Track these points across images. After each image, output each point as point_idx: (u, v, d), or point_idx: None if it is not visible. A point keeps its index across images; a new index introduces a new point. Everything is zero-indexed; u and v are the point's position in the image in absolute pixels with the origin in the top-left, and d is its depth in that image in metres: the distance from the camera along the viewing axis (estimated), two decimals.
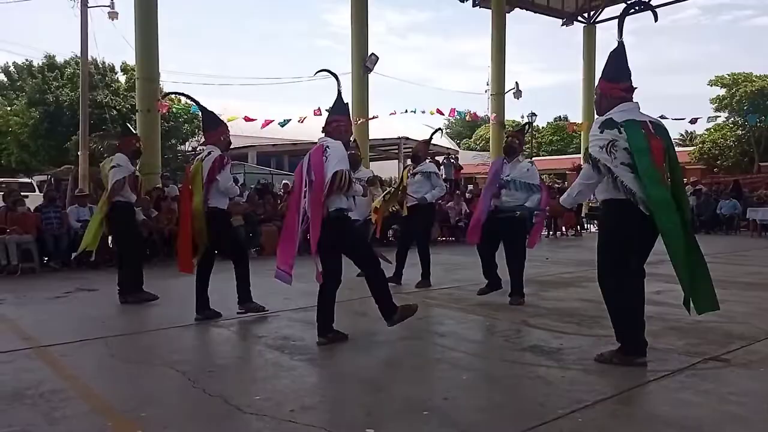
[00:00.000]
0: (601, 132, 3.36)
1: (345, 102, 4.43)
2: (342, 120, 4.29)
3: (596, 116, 3.61)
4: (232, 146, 5.28)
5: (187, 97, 5.95)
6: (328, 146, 4.09)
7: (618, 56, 3.58)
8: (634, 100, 3.54)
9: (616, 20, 3.80)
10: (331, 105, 4.45)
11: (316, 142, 4.27)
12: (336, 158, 4.01)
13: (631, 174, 3.30)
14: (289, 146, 24.40)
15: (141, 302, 5.79)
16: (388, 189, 7.94)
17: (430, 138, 7.17)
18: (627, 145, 3.29)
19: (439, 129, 7.88)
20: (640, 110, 3.50)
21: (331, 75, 4.58)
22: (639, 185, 3.28)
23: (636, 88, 3.56)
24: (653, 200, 3.25)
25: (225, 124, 5.31)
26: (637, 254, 3.59)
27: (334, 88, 4.43)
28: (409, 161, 7.91)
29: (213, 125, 5.21)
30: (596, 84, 3.75)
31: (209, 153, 5.01)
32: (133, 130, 6.53)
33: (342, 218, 4.13)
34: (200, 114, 5.35)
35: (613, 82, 3.54)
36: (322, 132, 4.29)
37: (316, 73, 4.71)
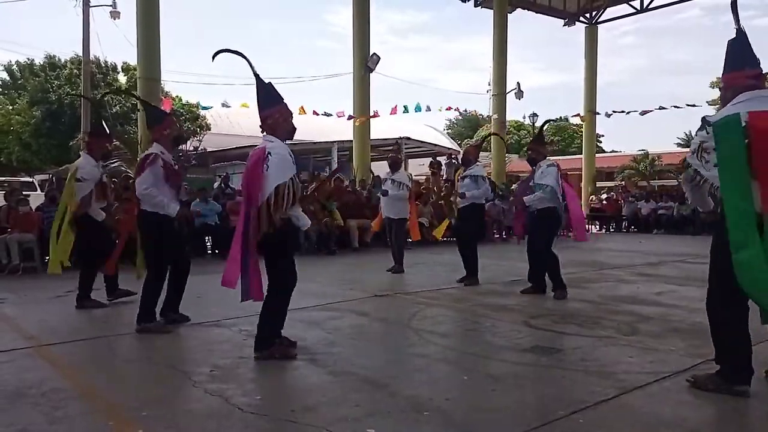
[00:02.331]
0: (696, 135, 3.02)
1: (270, 88, 3.85)
2: (275, 112, 3.79)
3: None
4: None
5: (133, 95, 5.70)
6: (270, 153, 3.62)
7: (741, 43, 3.11)
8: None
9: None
10: (256, 96, 3.85)
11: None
12: (277, 168, 3.57)
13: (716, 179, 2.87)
14: (289, 145, 24.33)
15: (92, 308, 5.56)
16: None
17: (482, 142, 7.46)
18: (714, 145, 2.87)
19: (494, 134, 8.45)
20: None
21: (238, 56, 3.95)
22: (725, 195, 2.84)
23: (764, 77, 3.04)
24: (728, 216, 2.81)
25: (171, 117, 4.95)
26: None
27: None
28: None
29: (156, 122, 4.82)
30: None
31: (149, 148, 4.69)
32: (107, 131, 5.96)
33: (284, 232, 3.68)
34: (144, 109, 4.99)
35: (736, 71, 3.07)
36: (261, 131, 3.83)
37: (215, 56, 4.05)
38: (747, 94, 2.92)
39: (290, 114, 3.91)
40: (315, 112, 16.67)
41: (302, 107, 15.08)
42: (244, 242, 3.66)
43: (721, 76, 3.21)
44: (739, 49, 3.13)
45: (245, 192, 3.71)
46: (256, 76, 3.87)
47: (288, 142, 3.90)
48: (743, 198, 2.73)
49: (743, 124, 2.77)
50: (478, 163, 7.11)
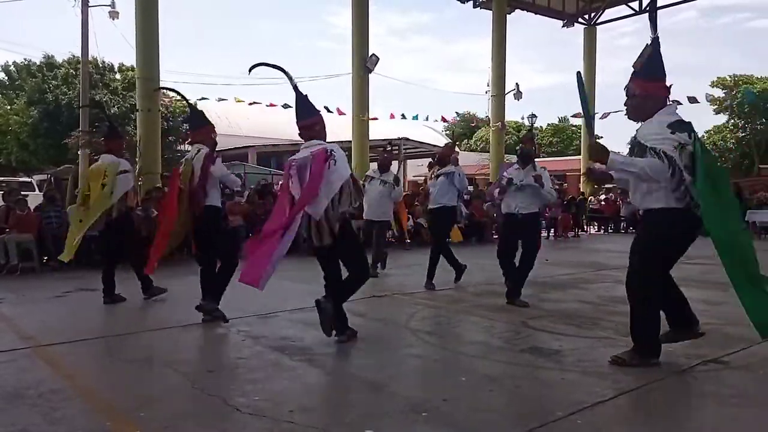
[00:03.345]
0: (672, 133, 3.20)
1: (308, 98, 4.24)
2: (320, 119, 4.24)
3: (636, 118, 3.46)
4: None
5: (177, 93, 5.94)
6: (333, 150, 4.00)
7: (657, 53, 3.34)
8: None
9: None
10: (296, 106, 4.22)
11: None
12: (344, 165, 4.02)
13: (690, 178, 3.19)
14: (289, 146, 24.41)
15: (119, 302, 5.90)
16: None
17: (455, 142, 7.35)
18: (693, 150, 3.17)
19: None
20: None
21: (276, 69, 4.28)
22: (696, 192, 3.19)
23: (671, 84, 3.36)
24: (707, 211, 3.14)
25: (211, 123, 5.25)
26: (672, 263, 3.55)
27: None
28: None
29: (200, 123, 5.18)
30: (631, 84, 3.44)
31: (198, 151, 4.96)
32: (118, 130, 6.41)
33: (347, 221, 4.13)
34: (189, 111, 5.30)
35: (658, 81, 3.32)
36: (305, 137, 4.17)
37: (251, 69, 4.39)
38: (671, 108, 3.29)
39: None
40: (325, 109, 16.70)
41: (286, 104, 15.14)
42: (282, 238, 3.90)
43: (635, 81, 3.40)
44: (658, 59, 3.34)
45: (305, 187, 3.92)
46: (295, 87, 4.21)
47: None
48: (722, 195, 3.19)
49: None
50: (455, 163, 6.97)
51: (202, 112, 5.32)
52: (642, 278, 3.47)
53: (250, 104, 17.93)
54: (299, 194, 3.98)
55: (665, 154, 3.16)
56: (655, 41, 3.33)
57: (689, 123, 3.25)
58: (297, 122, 4.19)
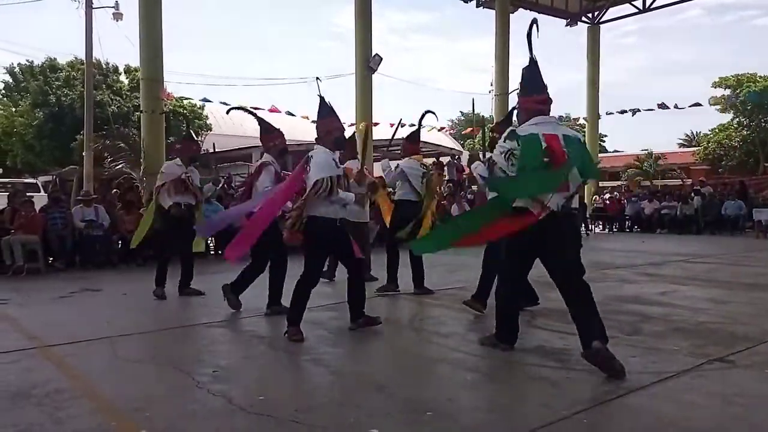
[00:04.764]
0: (504, 141, 3.71)
1: (326, 104, 4.53)
2: (325, 123, 4.47)
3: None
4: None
5: (246, 110, 6.15)
6: (311, 155, 4.33)
7: (531, 71, 3.83)
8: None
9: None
10: (318, 110, 4.53)
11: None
12: (317, 167, 4.23)
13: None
14: (293, 146, 24.34)
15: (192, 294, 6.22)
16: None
17: (418, 134, 6.61)
18: (522, 155, 3.63)
19: (430, 112, 6.69)
20: (558, 124, 3.80)
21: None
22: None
23: (551, 100, 3.79)
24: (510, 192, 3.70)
25: (279, 131, 5.50)
26: (527, 258, 3.88)
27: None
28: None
29: (266, 132, 5.48)
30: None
31: (261, 158, 5.35)
32: (194, 137, 7.03)
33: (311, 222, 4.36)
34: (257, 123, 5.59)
35: (528, 96, 3.80)
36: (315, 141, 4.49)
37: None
38: (539, 118, 3.68)
39: (331, 126, 4.49)
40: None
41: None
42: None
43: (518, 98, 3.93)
44: (530, 77, 3.82)
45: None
46: (321, 97, 4.55)
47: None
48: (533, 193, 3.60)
49: (543, 142, 3.54)
50: (413, 158, 6.35)
51: (267, 122, 5.56)
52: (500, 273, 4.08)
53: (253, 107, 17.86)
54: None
55: (491, 158, 3.80)
56: (531, 61, 3.82)
57: (534, 133, 3.61)
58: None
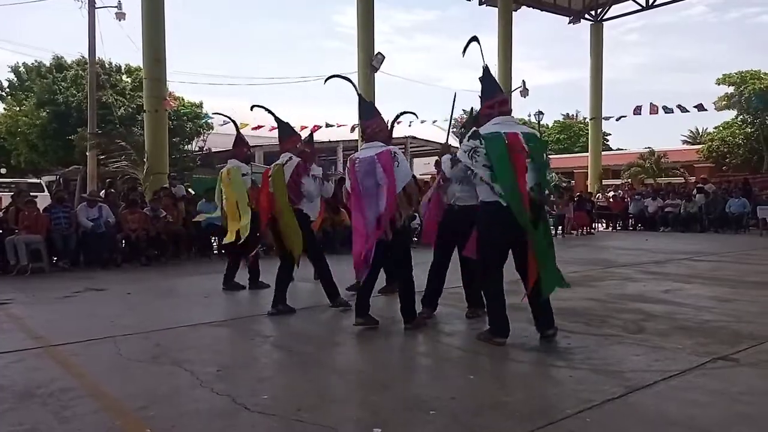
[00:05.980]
0: (468, 140, 4.00)
1: (369, 103, 4.80)
2: (377, 122, 4.59)
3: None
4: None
5: (266, 110, 6.07)
6: (395, 153, 4.35)
7: (485, 79, 4.19)
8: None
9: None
10: (361, 109, 4.68)
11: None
12: (405, 168, 4.35)
13: (489, 172, 3.90)
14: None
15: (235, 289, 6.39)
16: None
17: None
18: (486, 152, 3.89)
19: (409, 112, 6.47)
20: (516, 123, 4.14)
21: (344, 80, 4.83)
22: (496, 183, 3.90)
23: (507, 101, 4.16)
24: (506, 198, 3.84)
25: (299, 134, 5.63)
26: (505, 251, 4.07)
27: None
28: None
29: (288, 134, 5.58)
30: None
31: (290, 158, 5.31)
32: (245, 139, 6.86)
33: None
34: (276, 124, 5.65)
35: (484, 102, 4.16)
36: (366, 139, 4.54)
37: (327, 79, 4.92)
38: (500, 119, 4.01)
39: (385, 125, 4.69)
40: (327, 124, 16.26)
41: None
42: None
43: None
44: (485, 85, 4.17)
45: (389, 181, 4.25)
46: (359, 95, 4.80)
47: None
48: (513, 183, 3.83)
49: (505, 139, 3.86)
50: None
51: (288, 124, 5.63)
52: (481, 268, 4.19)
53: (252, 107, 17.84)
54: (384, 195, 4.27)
55: (455, 156, 4.12)
56: (484, 69, 4.18)
57: (496, 132, 3.91)
58: (359, 122, 4.78)
